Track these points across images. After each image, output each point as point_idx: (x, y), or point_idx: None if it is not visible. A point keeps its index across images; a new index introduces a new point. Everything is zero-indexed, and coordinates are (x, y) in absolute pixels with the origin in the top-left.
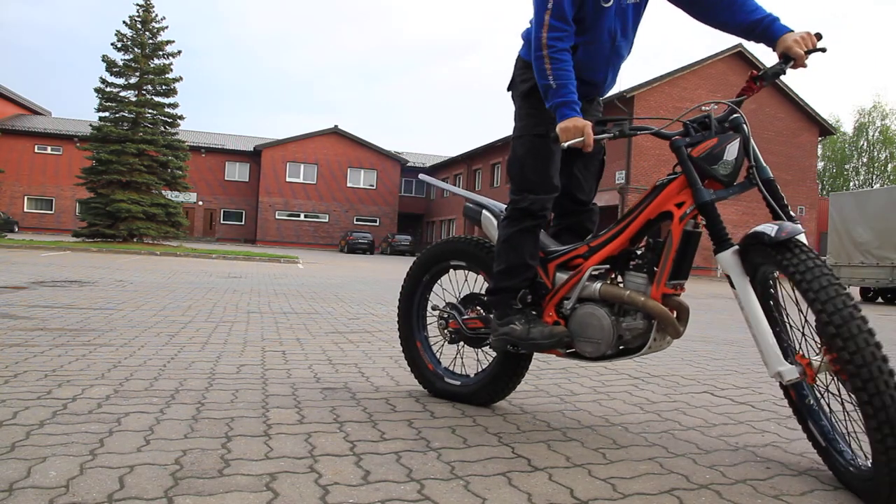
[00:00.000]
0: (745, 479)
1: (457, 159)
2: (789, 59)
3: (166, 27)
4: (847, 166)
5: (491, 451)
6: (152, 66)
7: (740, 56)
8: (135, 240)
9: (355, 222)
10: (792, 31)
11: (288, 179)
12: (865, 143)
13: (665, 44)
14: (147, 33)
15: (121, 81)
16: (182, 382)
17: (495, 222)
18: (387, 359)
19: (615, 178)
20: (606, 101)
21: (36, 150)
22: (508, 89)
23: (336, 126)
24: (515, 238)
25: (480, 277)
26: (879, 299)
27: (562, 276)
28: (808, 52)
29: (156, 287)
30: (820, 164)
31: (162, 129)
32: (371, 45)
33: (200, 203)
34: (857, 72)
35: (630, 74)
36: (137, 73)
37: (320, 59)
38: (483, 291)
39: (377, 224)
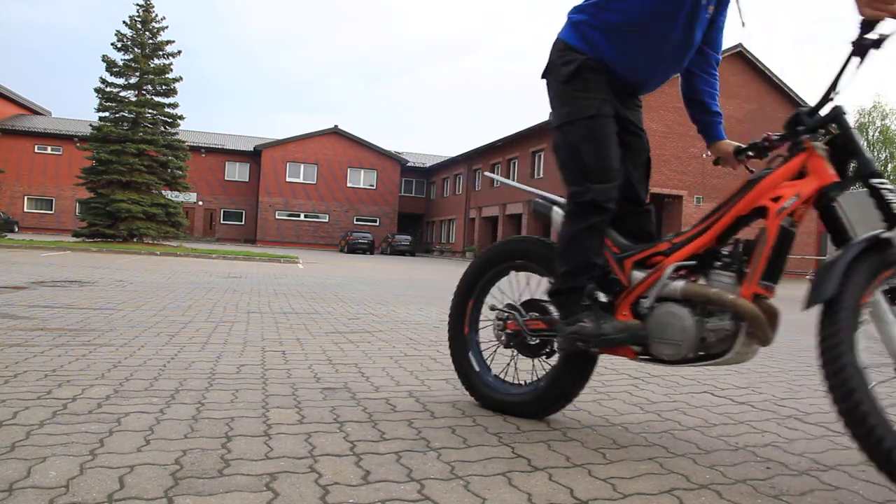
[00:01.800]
0: (745, 479)
1: (457, 159)
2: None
3: (166, 27)
4: None
5: (491, 451)
6: (152, 66)
7: (740, 56)
8: (135, 240)
9: (355, 222)
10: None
11: (288, 179)
12: (865, 143)
13: None
14: (147, 33)
15: (121, 81)
16: (182, 382)
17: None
18: (387, 359)
19: None
20: None
21: (36, 150)
22: (543, 76)
23: (336, 126)
24: (581, 236)
25: (543, 281)
26: None
27: (638, 274)
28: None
29: (156, 287)
30: None
31: (162, 129)
32: (371, 45)
33: (200, 203)
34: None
35: None
36: (137, 73)
37: (320, 59)
38: (545, 295)
39: (377, 224)
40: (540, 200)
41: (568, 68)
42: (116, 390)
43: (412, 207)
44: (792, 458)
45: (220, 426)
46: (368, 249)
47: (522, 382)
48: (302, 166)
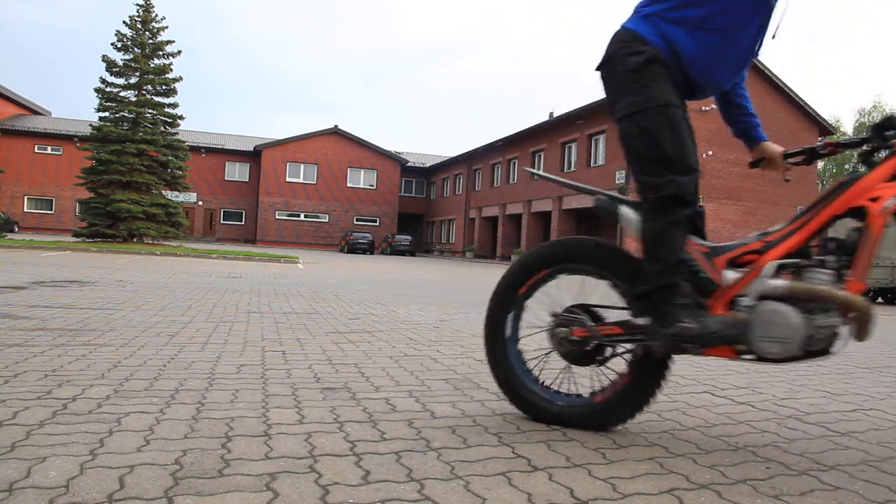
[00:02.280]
0: (745, 479)
1: (457, 159)
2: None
3: (166, 27)
4: (847, 166)
5: (491, 451)
6: (152, 66)
7: None
8: (135, 240)
9: (355, 222)
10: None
11: (288, 179)
12: None
13: None
14: (147, 33)
15: (121, 81)
16: (182, 382)
17: (634, 220)
18: (387, 359)
19: (615, 177)
20: (606, 101)
21: (36, 150)
22: (600, 67)
23: (336, 126)
24: (669, 232)
25: (599, 285)
26: (879, 299)
27: (732, 274)
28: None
29: (156, 287)
30: (820, 164)
31: (162, 129)
32: (371, 45)
33: (200, 203)
34: (858, 72)
35: None
36: (137, 73)
37: (320, 59)
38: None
39: (377, 224)
40: (603, 198)
41: (637, 58)
42: (116, 390)
43: (412, 207)
44: (792, 458)
45: (220, 426)
46: (368, 249)
47: (546, 385)
48: (302, 166)
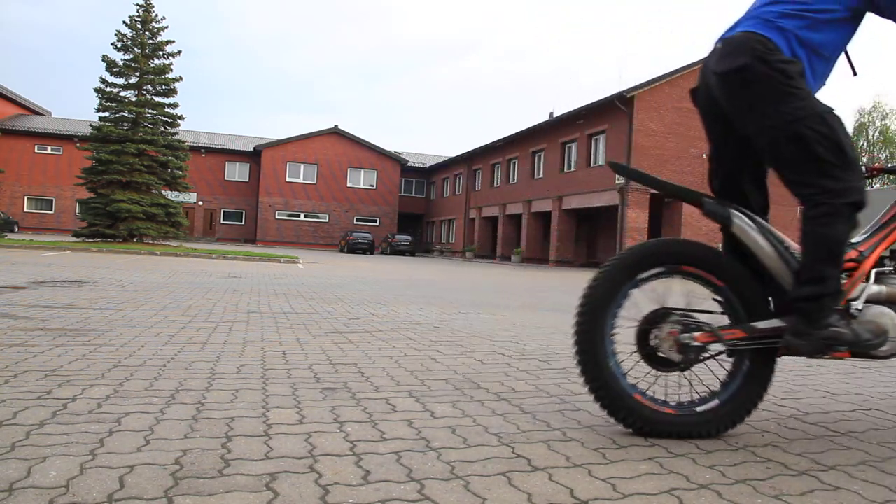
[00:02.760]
0: (745, 479)
1: (457, 159)
2: None
3: (166, 27)
4: None
5: (491, 451)
6: (152, 66)
7: None
8: (135, 240)
9: (355, 222)
10: None
11: (288, 179)
12: (865, 143)
13: (666, 43)
14: (147, 33)
15: (121, 81)
16: (182, 382)
17: (750, 226)
18: (387, 359)
19: (615, 178)
20: (606, 100)
21: (36, 150)
22: (734, 72)
23: (336, 126)
24: (846, 238)
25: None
26: None
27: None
28: None
29: (156, 287)
30: None
31: (162, 129)
32: (371, 45)
33: (200, 203)
34: (858, 72)
35: (630, 74)
36: (137, 73)
37: (320, 59)
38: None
39: (377, 224)
40: (712, 202)
41: (795, 67)
42: (116, 390)
43: (412, 207)
44: (792, 458)
45: (220, 426)
46: (368, 249)
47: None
48: (302, 166)
